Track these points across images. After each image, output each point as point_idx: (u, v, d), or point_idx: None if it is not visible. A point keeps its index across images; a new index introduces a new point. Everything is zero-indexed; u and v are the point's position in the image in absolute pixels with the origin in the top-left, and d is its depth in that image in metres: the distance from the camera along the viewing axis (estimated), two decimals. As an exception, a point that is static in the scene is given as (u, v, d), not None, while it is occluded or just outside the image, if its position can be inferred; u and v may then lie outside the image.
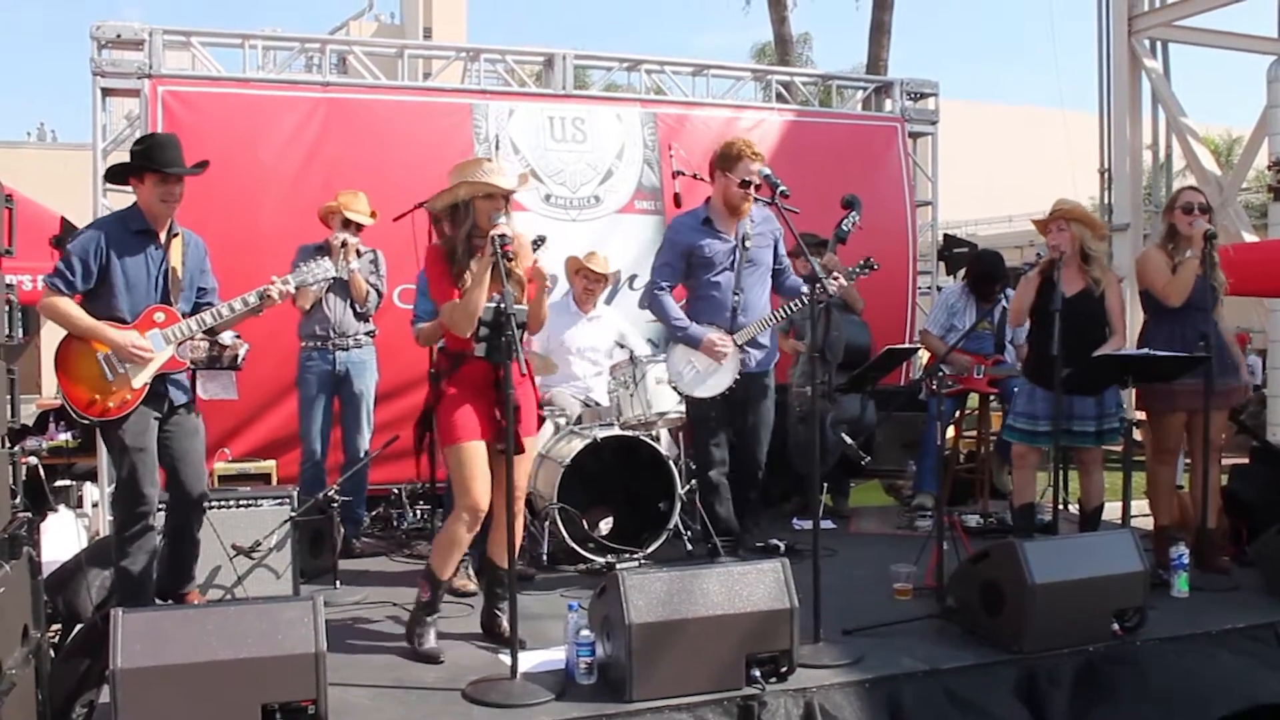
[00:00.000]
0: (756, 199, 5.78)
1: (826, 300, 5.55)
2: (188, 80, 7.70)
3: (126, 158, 7.55)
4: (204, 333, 4.93)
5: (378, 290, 6.58)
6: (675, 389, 5.91)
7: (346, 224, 6.43)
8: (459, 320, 4.48)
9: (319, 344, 6.49)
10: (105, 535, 6.81)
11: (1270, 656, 4.83)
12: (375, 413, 6.85)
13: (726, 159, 5.77)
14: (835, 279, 5.69)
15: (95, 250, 4.65)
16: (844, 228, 6.75)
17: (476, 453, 4.58)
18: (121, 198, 7.56)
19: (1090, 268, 5.80)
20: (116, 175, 5.01)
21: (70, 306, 4.64)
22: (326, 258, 5.58)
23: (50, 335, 5.22)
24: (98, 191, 7.39)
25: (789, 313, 6.03)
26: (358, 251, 6.39)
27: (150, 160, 4.75)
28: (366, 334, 6.61)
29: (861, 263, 6.06)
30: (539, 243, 6.17)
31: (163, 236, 4.85)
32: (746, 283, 5.93)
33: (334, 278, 5.58)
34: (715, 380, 5.84)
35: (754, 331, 5.91)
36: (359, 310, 6.53)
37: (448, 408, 4.58)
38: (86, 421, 4.77)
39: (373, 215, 6.56)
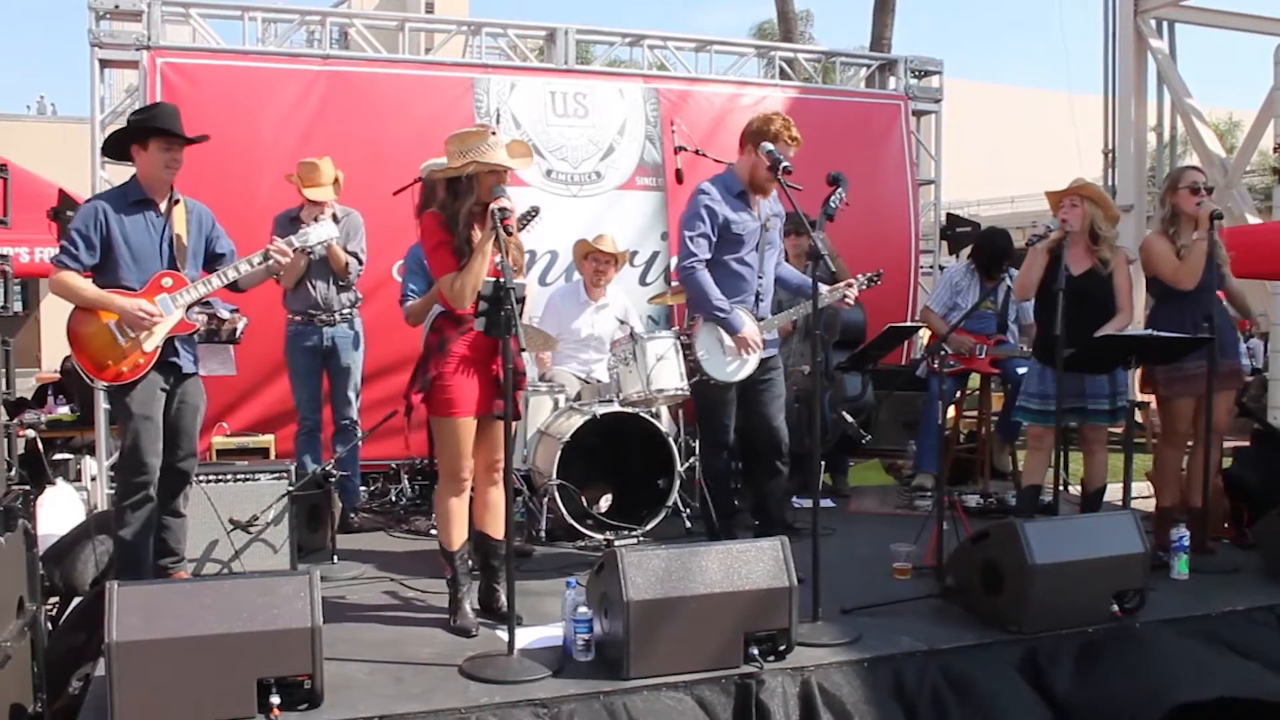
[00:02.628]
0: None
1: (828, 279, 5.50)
2: (187, 52, 7.66)
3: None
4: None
5: (357, 257, 6.51)
6: (699, 365, 5.70)
7: (311, 202, 6.35)
8: (461, 292, 4.47)
9: (305, 319, 6.48)
10: (103, 510, 6.81)
11: (1272, 646, 4.81)
12: (374, 388, 6.83)
13: (763, 135, 5.40)
14: (850, 284, 5.59)
15: (95, 224, 4.67)
16: (831, 204, 6.66)
17: (469, 429, 4.63)
18: (121, 171, 7.53)
19: (1099, 248, 5.76)
20: (117, 145, 4.93)
21: (76, 280, 4.66)
22: (327, 220, 5.54)
23: (50, 309, 5.21)
24: (96, 163, 7.36)
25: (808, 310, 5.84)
26: (334, 217, 6.32)
27: (157, 122, 4.75)
28: (351, 305, 6.59)
29: (871, 275, 5.90)
30: (533, 214, 6.13)
31: (163, 205, 4.84)
32: (767, 265, 5.75)
33: (332, 237, 5.48)
34: (742, 366, 5.67)
35: (775, 325, 5.76)
36: (341, 282, 6.49)
37: (448, 378, 4.58)
38: (100, 387, 4.87)
39: (336, 183, 6.46)
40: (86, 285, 4.67)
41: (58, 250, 4.77)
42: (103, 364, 4.68)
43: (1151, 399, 6.22)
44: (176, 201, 4.88)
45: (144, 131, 4.77)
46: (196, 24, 7.85)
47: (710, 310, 5.58)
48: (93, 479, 7.69)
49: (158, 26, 7.45)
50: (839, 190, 6.61)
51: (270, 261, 4.86)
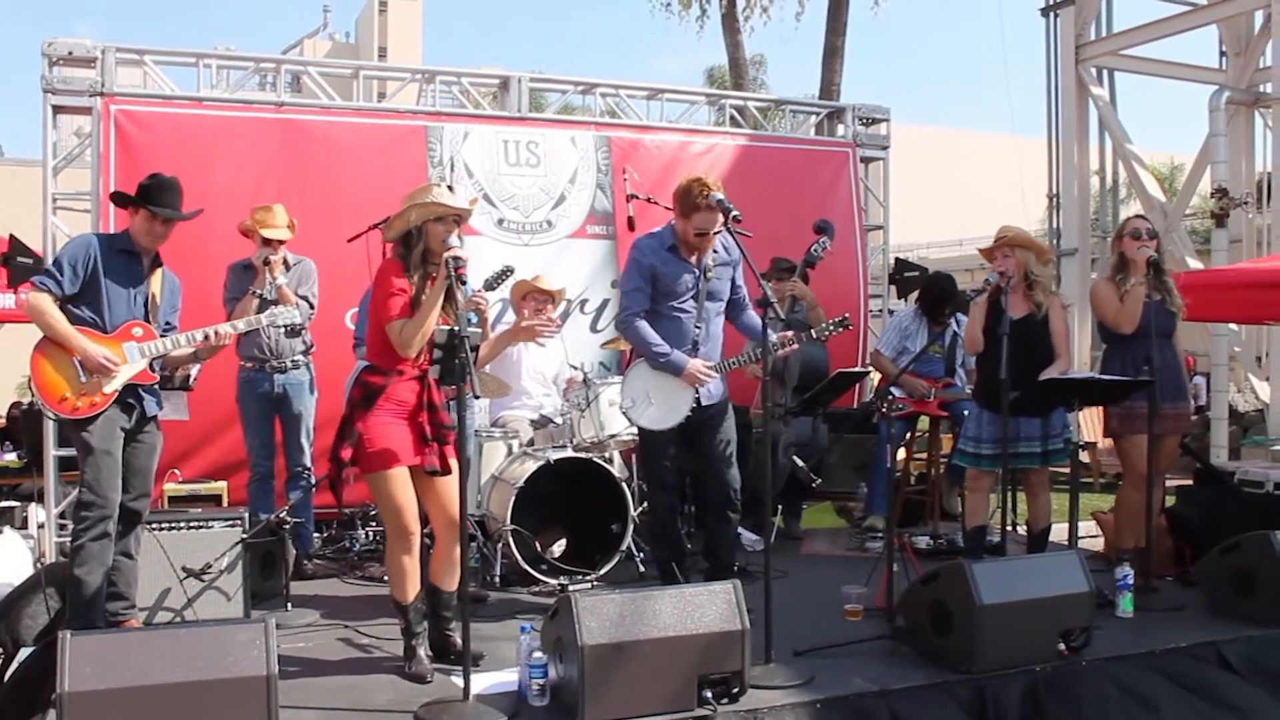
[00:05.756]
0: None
1: (781, 328, 5.55)
2: (140, 99, 7.65)
3: (77, 175, 7.56)
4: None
5: (309, 302, 6.53)
6: (626, 416, 5.79)
7: (268, 242, 6.38)
8: (411, 340, 4.49)
9: (257, 366, 6.48)
10: (51, 563, 6.74)
11: (1214, 682, 4.91)
12: (327, 435, 6.78)
13: (685, 205, 5.47)
14: (788, 340, 5.59)
15: (85, 259, 4.87)
16: (814, 252, 6.72)
17: (404, 479, 4.60)
18: (72, 216, 7.53)
19: (1034, 292, 5.89)
20: (117, 200, 5.25)
21: (51, 308, 4.81)
22: (293, 306, 5.77)
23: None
24: (48, 208, 7.35)
25: (755, 356, 5.83)
26: (286, 263, 6.36)
27: (146, 200, 4.97)
28: (303, 353, 6.59)
29: (837, 320, 5.89)
30: (507, 273, 6.21)
31: (146, 263, 5.05)
32: (707, 314, 5.71)
33: (298, 324, 5.64)
34: (669, 414, 5.64)
35: (723, 370, 5.74)
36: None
37: (375, 433, 4.56)
38: (51, 415, 5.01)
39: (290, 227, 6.46)
40: (59, 318, 4.81)
41: (41, 275, 4.93)
42: (60, 394, 4.80)
43: (1099, 439, 6.33)
44: (158, 266, 5.11)
45: (135, 200, 5.00)
46: (150, 70, 7.84)
47: (651, 355, 5.61)
48: (40, 526, 7.60)
49: (111, 72, 7.45)
50: (824, 239, 6.65)
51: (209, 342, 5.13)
